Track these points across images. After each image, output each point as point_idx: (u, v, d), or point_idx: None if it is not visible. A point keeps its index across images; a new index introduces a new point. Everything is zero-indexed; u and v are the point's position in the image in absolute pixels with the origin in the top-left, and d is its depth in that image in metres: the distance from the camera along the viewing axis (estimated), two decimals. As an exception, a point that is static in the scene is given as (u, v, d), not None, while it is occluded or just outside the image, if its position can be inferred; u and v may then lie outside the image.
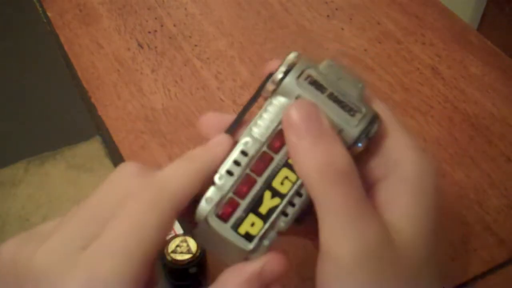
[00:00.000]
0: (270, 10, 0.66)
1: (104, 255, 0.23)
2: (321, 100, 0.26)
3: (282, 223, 0.25)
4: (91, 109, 0.58)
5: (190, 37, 0.63)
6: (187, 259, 0.40)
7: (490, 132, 0.54)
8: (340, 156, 0.24)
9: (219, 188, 0.25)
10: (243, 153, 0.25)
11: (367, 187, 0.27)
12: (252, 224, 0.25)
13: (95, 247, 0.23)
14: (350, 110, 0.26)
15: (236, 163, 0.25)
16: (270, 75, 0.26)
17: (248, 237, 0.25)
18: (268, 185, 0.25)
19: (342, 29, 0.63)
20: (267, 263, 0.25)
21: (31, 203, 1.30)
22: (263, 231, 0.25)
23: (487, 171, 0.51)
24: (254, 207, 0.25)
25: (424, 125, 0.54)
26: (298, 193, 0.25)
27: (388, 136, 0.27)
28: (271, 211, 0.25)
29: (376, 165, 0.27)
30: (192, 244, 0.41)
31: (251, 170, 0.25)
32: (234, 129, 0.27)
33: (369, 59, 0.60)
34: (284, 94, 0.26)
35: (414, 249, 0.25)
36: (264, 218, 0.25)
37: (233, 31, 0.63)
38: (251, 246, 0.25)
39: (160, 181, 0.25)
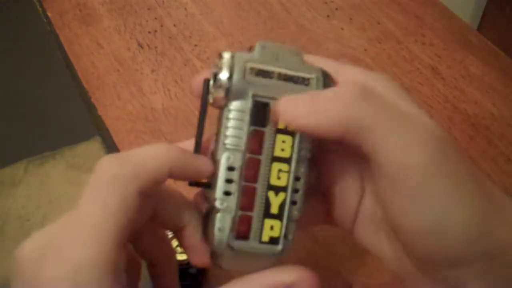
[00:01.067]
0: (270, 10, 0.66)
1: (72, 241, 0.23)
2: (274, 85, 0.25)
3: (296, 211, 0.26)
4: (91, 109, 0.58)
5: (190, 37, 0.63)
6: (187, 259, 0.40)
7: (490, 132, 0.54)
8: (347, 88, 0.24)
9: (225, 212, 0.25)
10: (230, 168, 0.25)
11: None
12: (272, 228, 0.25)
13: (65, 235, 0.23)
14: (303, 80, 0.26)
15: (229, 181, 0.25)
16: (207, 81, 0.26)
17: (274, 240, 0.25)
18: (267, 186, 0.25)
19: (342, 29, 0.63)
20: (299, 281, 0.23)
21: (31, 203, 1.30)
22: (284, 229, 0.25)
23: (487, 171, 0.51)
24: (265, 212, 0.25)
25: (424, 125, 0.54)
26: (296, 178, 0.25)
27: (340, 77, 0.27)
28: (281, 207, 0.25)
29: None
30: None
31: (246, 181, 0.25)
32: (200, 149, 0.27)
33: (369, 59, 0.60)
34: (238, 97, 0.25)
35: (446, 140, 0.24)
36: (279, 216, 0.25)
37: (233, 31, 0.63)
38: (280, 247, 0.25)
39: (123, 156, 0.25)
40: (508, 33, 1.08)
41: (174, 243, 0.41)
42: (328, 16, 0.65)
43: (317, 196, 0.29)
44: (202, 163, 0.26)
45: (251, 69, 0.25)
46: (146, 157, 0.25)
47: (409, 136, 0.23)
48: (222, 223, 0.25)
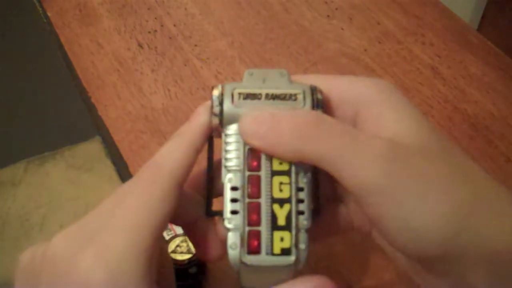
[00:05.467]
0: (270, 10, 0.66)
1: (116, 231, 0.24)
2: (263, 105, 0.27)
3: (304, 221, 0.26)
4: (91, 109, 0.58)
5: (190, 37, 0.63)
6: (187, 259, 0.40)
7: (490, 132, 0.54)
8: (302, 114, 0.25)
9: (235, 230, 0.26)
10: (234, 188, 0.26)
11: None
12: (282, 239, 0.26)
13: (107, 226, 0.24)
14: (290, 96, 0.27)
15: (234, 200, 0.26)
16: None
17: (285, 251, 0.25)
18: (271, 200, 0.26)
19: (342, 29, 0.63)
20: (317, 286, 0.24)
21: (31, 203, 1.30)
22: (293, 238, 0.26)
23: (487, 171, 0.51)
24: (273, 225, 0.26)
25: (424, 125, 0.54)
26: (299, 189, 0.26)
27: (333, 90, 0.28)
28: (288, 218, 0.26)
29: (344, 112, 0.28)
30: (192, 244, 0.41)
31: (250, 197, 0.26)
32: (211, 178, 0.29)
33: (369, 59, 0.60)
34: (231, 121, 0.27)
35: (426, 140, 0.25)
36: (287, 227, 0.26)
37: (233, 31, 0.63)
38: (293, 257, 0.25)
39: (157, 160, 0.27)
40: (508, 33, 1.08)
41: (173, 244, 0.41)
42: (328, 16, 0.65)
43: (336, 204, 0.29)
44: (202, 119, 0.28)
45: (239, 94, 0.27)
46: (174, 153, 0.27)
47: (360, 157, 0.24)
48: (232, 241, 0.26)
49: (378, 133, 0.26)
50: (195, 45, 0.62)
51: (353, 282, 0.43)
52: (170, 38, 0.63)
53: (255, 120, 0.26)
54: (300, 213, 0.26)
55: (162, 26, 0.64)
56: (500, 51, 0.61)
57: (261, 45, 0.62)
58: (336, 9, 0.66)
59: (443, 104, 0.56)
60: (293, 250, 0.25)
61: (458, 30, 0.63)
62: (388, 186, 0.23)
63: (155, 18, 0.65)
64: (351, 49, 0.61)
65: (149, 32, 0.63)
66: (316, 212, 0.28)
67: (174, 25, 0.64)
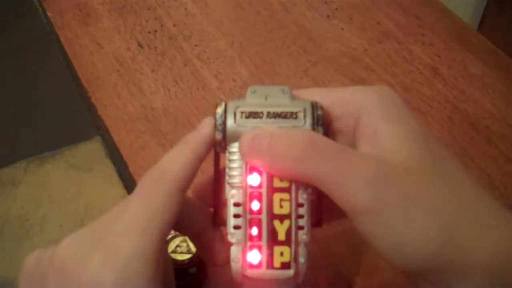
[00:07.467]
0: (270, 10, 0.66)
1: (122, 234, 0.24)
2: (264, 123, 0.27)
3: (304, 236, 0.27)
4: (91, 109, 0.58)
5: (190, 37, 0.63)
6: (187, 259, 0.40)
7: (490, 132, 0.54)
8: (298, 136, 0.26)
9: (237, 244, 0.27)
10: (236, 204, 0.27)
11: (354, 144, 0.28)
12: (281, 254, 0.26)
13: (114, 229, 0.25)
14: (291, 115, 0.27)
15: (236, 216, 0.27)
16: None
17: (285, 265, 0.26)
18: (272, 216, 0.27)
19: (342, 29, 0.63)
20: None
21: (31, 203, 1.30)
22: (293, 253, 0.26)
23: (487, 171, 0.51)
24: (273, 240, 0.26)
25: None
26: (299, 205, 0.27)
27: (335, 102, 0.28)
28: (288, 233, 0.26)
29: (346, 123, 0.28)
30: (192, 244, 0.41)
31: (251, 213, 0.27)
32: (218, 191, 0.29)
33: (369, 59, 0.60)
34: (234, 139, 0.28)
35: (417, 156, 0.26)
36: (287, 242, 0.27)
37: (233, 31, 0.63)
38: (292, 271, 0.26)
39: (160, 166, 0.27)
40: (508, 33, 1.08)
41: (173, 244, 0.41)
42: (328, 16, 0.65)
43: None
44: (208, 130, 0.29)
45: (242, 112, 0.28)
46: (178, 160, 0.28)
47: (351, 181, 0.25)
48: (235, 255, 0.27)
49: (373, 148, 0.26)
50: (195, 45, 0.62)
51: (353, 282, 0.43)
52: (170, 38, 0.63)
53: (254, 140, 0.26)
54: (300, 228, 0.27)
55: (162, 26, 0.64)
56: (500, 51, 0.61)
57: (261, 45, 0.62)
58: (336, 9, 0.66)
59: (443, 104, 0.56)
60: (293, 264, 0.26)
61: (458, 30, 0.63)
62: (376, 208, 0.24)
63: (155, 18, 0.65)
64: (351, 49, 0.61)
65: (149, 32, 0.63)
66: (318, 223, 0.28)
67: (174, 25, 0.64)
